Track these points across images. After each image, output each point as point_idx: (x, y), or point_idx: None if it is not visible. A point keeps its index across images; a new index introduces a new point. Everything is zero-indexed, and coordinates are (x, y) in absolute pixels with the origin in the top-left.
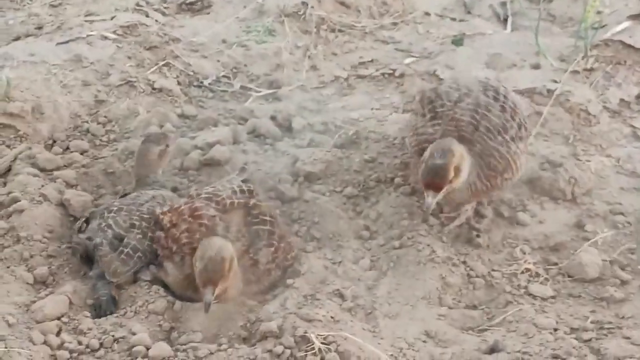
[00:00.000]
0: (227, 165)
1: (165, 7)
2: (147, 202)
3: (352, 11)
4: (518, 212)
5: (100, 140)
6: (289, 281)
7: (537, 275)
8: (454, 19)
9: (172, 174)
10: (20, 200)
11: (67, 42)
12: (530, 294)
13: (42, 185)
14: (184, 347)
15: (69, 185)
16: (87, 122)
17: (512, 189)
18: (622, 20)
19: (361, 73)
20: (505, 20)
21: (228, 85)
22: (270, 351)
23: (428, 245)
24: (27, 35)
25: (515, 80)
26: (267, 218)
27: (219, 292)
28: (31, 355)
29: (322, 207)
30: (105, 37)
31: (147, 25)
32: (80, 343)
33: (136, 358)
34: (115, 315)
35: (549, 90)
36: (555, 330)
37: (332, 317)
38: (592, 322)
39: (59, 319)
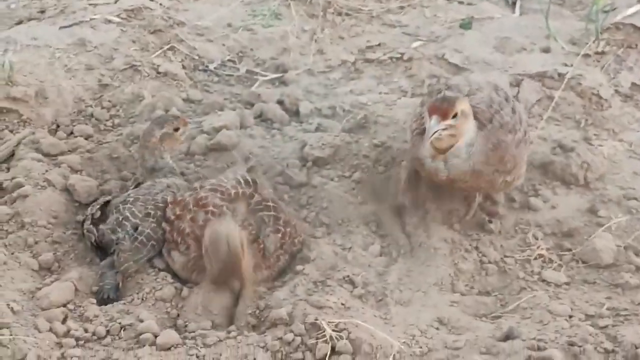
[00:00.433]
0: (235, 151)
1: None
2: (161, 192)
3: None
4: (530, 197)
5: (105, 125)
6: (299, 267)
7: (551, 261)
8: (461, 3)
9: (178, 159)
10: (24, 186)
11: (70, 25)
12: (544, 280)
13: (46, 171)
14: (192, 334)
15: (74, 171)
16: (91, 106)
17: (525, 174)
18: (633, 3)
19: (369, 57)
20: (514, 3)
21: (234, 69)
22: (280, 338)
23: (439, 231)
24: (30, 19)
25: (525, 64)
26: (270, 204)
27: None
28: (37, 343)
29: (330, 192)
30: (109, 21)
31: (151, 9)
32: (86, 330)
33: (144, 346)
34: (122, 302)
35: (559, 74)
36: (571, 317)
37: (342, 304)
38: (607, 309)
39: (64, 305)
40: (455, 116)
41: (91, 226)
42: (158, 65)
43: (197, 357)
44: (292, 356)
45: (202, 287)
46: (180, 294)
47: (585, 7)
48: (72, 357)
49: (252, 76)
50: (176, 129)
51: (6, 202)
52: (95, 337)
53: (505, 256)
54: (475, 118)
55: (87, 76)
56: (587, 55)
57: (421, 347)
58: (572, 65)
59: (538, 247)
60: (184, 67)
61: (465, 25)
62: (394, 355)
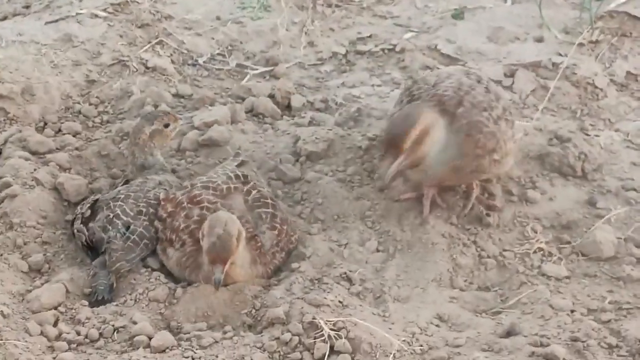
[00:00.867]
0: (228, 146)
1: None
2: (153, 189)
3: None
4: (527, 190)
5: (93, 121)
6: (294, 265)
7: (550, 254)
8: None
9: (169, 156)
10: (12, 185)
11: (56, 21)
12: (544, 274)
13: (35, 169)
14: (187, 335)
15: (62, 169)
16: (79, 103)
17: (520, 165)
18: None
19: (360, 49)
20: None
21: (223, 63)
22: (277, 338)
23: (436, 225)
24: (15, 15)
25: (518, 54)
26: (269, 201)
27: (227, 268)
28: (28, 348)
29: (325, 187)
30: (96, 16)
31: (138, 3)
32: (78, 333)
33: (138, 348)
34: (114, 303)
35: (554, 64)
36: (572, 311)
37: (340, 302)
38: (610, 303)
39: (55, 308)
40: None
41: (81, 225)
42: (146, 60)
43: (193, 359)
44: (290, 356)
45: (196, 286)
46: (174, 294)
47: None
48: None
49: (242, 70)
50: (166, 125)
51: None
52: (87, 340)
53: (504, 250)
54: (443, 106)
55: (74, 72)
56: (581, 44)
57: (421, 345)
58: (566, 55)
59: (537, 241)
60: (172, 62)
61: (457, 15)
62: (394, 353)
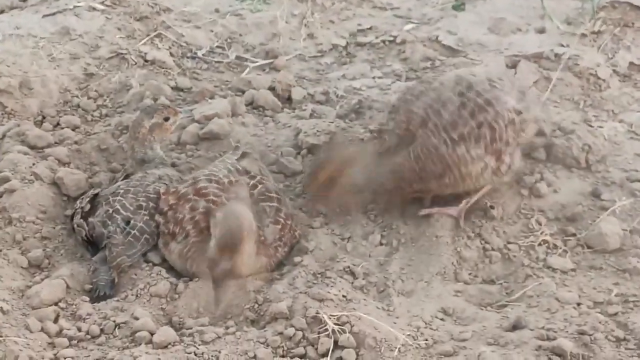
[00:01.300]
0: (229, 139)
1: None
2: (153, 183)
3: None
4: (531, 182)
5: (92, 115)
6: (297, 259)
7: (555, 247)
8: None
9: (169, 149)
10: (10, 180)
11: (53, 14)
12: (549, 267)
13: (33, 164)
14: (189, 331)
15: (62, 163)
16: (77, 96)
17: (525, 157)
18: None
19: (360, 41)
20: None
21: (223, 56)
22: (281, 333)
23: (440, 218)
24: (12, 8)
25: (520, 45)
26: (274, 195)
27: (237, 259)
28: (28, 344)
29: None
30: (94, 8)
31: None
32: (79, 329)
33: (140, 344)
34: (115, 299)
35: (556, 55)
36: (579, 304)
37: (344, 296)
38: (616, 295)
39: (56, 304)
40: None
41: (81, 220)
42: (145, 53)
43: (196, 354)
44: (294, 351)
45: (198, 281)
46: (176, 289)
47: None
48: (65, 358)
49: (241, 62)
50: (166, 119)
51: None
52: (89, 336)
53: (509, 243)
54: (408, 125)
55: (73, 66)
56: (583, 35)
57: (427, 339)
58: (568, 46)
59: (542, 233)
60: (171, 55)
61: (458, 6)
62: (399, 348)
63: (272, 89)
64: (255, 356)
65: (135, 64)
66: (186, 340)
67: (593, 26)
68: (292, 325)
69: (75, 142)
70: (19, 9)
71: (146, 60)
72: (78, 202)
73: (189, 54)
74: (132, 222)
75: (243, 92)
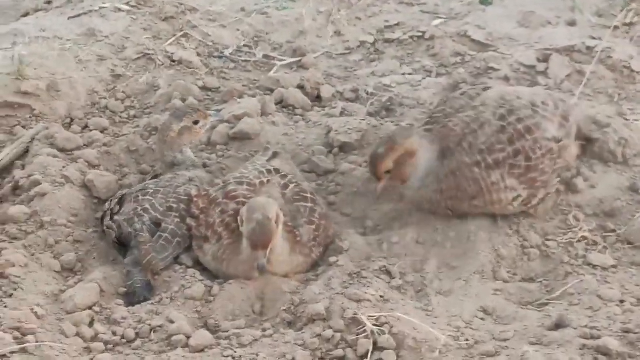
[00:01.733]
0: (260, 139)
1: None
2: (184, 185)
3: None
4: (568, 177)
5: (120, 117)
6: (332, 259)
7: (595, 243)
8: None
9: (199, 150)
10: (41, 183)
11: (79, 15)
12: (589, 264)
13: (64, 167)
14: (226, 334)
15: (91, 166)
16: (105, 98)
17: None
18: None
19: (388, 37)
20: None
21: (250, 55)
22: (319, 335)
23: (477, 215)
24: (37, 10)
25: (551, 39)
26: (308, 195)
27: (270, 253)
28: (64, 349)
29: (360, 179)
30: (119, 9)
31: None
32: (115, 334)
33: (176, 348)
34: (150, 302)
35: (588, 48)
36: (622, 302)
37: (381, 297)
38: None
39: (90, 308)
40: (388, 172)
41: (111, 222)
42: (172, 54)
43: (233, 358)
44: (333, 354)
45: (233, 282)
46: (211, 292)
47: None
48: None
49: (269, 61)
50: (196, 122)
51: (23, 201)
52: (124, 341)
53: (547, 240)
54: (447, 141)
55: (100, 67)
56: (615, 27)
57: (467, 340)
58: (600, 39)
59: (580, 229)
60: (198, 55)
61: (485, 1)
62: (440, 349)
63: (301, 87)
64: (294, 359)
65: (162, 64)
66: (223, 343)
67: (625, 18)
68: (330, 327)
69: (104, 145)
70: (44, 11)
71: (173, 61)
72: (107, 203)
73: (215, 54)
74: (163, 224)
75: (272, 91)
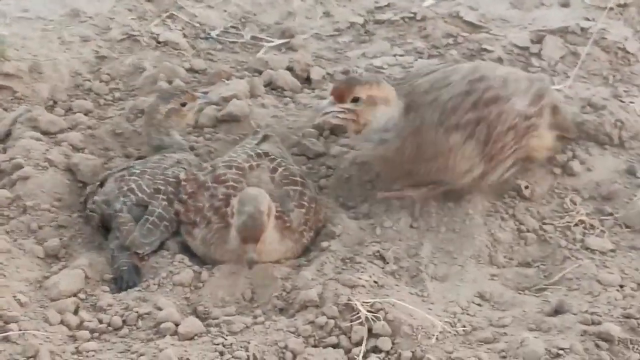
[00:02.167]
0: (250, 121)
1: None
2: (171, 167)
3: None
4: (564, 159)
5: (105, 99)
6: (324, 244)
7: (592, 227)
8: None
9: (186, 133)
10: (24, 167)
11: None
12: (587, 248)
13: (47, 150)
14: (216, 321)
15: (76, 149)
16: (89, 80)
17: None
18: None
19: (379, 18)
20: None
21: (237, 36)
22: (312, 322)
23: (472, 198)
24: None
25: (545, 20)
26: (298, 179)
27: (260, 246)
28: (48, 337)
29: (351, 161)
30: None
31: None
32: (101, 321)
33: (164, 336)
34: (137, 288)
35: (582, 29)
36: (622, 286)
37: (375, 282)
38: None
39: (75, 295)
40: (356, 100)
41: (93, 205)
42: (158, 35)
43: (224, 345)
44: (326, 341)
45: (222, 268)
46: (200, 277)
47: None
48: (88, 351)
49: (257, 42)
50: (183, 104)
51: (5, 185)
52: (111, 328)
53: (544, 224)
54: (411, 96)
55: (83, 48)
56: (609, 8)
57: (465, 326)
58: (594, 20)
59: (578, 213)
60: (185, 36)
61: None
62: (437, 335)
63: (290, 69)
64: (286, 346)
65: (148, 45)
66: (213, 330)
67: None
68: (323, 314)
69: (89, 127)
70: None
71: (159, 42)
72: (89, 187)
73: (202, 35)
74: (150, 207)
75: (260, 72)
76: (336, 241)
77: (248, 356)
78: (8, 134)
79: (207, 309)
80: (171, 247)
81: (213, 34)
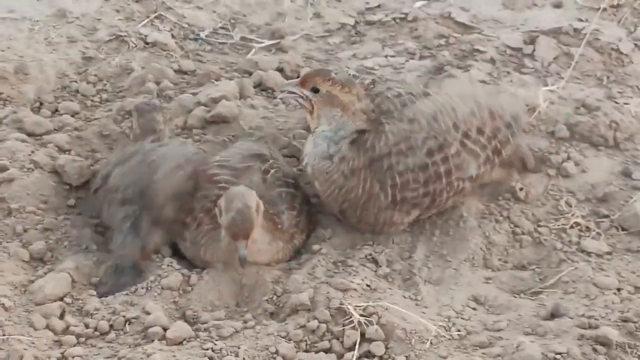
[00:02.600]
0: (240, 122)
1: None
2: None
3: None
4: (558, 161)
5: (92, 100)
6: (315, 247)
7: (588, 229)
8: None
9: (174, 134)
10: (9, 169)
11: None
12: (583, 251)
13: (32, 152)
14: (205, 326)
15: (62, 151)
16: (76, 81)
17: (549, 136)
18: None
19: (369, 19)
20: None
21: (227, 37)
22: (303, 327)
23: (466, 200)
24: None
25: (537, 21)
26: (290, 180)
27: (250, 243)
28: (33, 342)
29: None
30: None
31: None
32: (87, 326)
33: (152, 340)
34: (124, 292)
35: (575, 30)
36: (619, 290)
37: (368, 286)
38: None
39: (61, 299)
40: (315, 91)
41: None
42: (145, 35)
43: (213, 350)
44: (318, 346)
45: (211, 271)
46: (189, 281)
47: None
48: (73, 357)
49: (247, 43)
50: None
51: None
52: (97, 333)
53: (539, 226)
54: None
55: (70, 49)
56: (602, 9)
57: (459, 330)
58: (587, 20)
59: (573, 215)
60: (173, 37)
61: None
62: (431, 340)
63: (280, 70)
64: (277, 351)
65: (136, 46)
66: (202, 335)
67: (612, 0)
68: (314, 318)
69: (76, 129)
70: None
71: (147, 43)
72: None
73: (191, 36)
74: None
75: (250, 73)
76: (327, 244)
77: None
78: None
79: (196, 313)
80: (165, 251)
81: (202, 34)
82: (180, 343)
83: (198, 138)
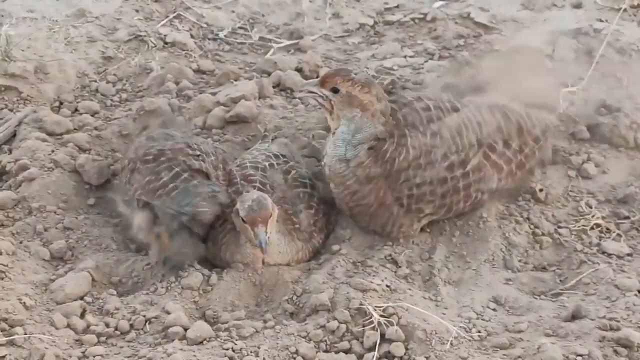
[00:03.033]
0: (259, 123)
1: None
2: None
3: None
4: (579, 162)
5: (112, 100)
6: (335, 247)
7: (609, 230)
8: None
9: (194, 134)
10: (29, 168)
11: None
12: (604, 252)
13: (53, 151)
14: (225, 325)
15: (82, 150)
16: (95, 81)
17: (569, 137)
18: None
19: (388, 19)
20: None
21: (245, 37)
22: (323, 327)
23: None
24: None
25: (557, 21)
26: (307, 181)
27: (270, 230)
28: (54, 341)
29: None
30: None
31: None
32: (107, 325)
33: (173, 340)
34: (144, 292)
35: (595, 30)
36: None
37: (387, 286)
38: None
39: (81, 298)
40: (335, 91)
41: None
42: (165, 35)
43: (234, 350)
44: (338, 346)
45: (231, 271)
46: (209, 281)
47: None
48: (94, 356)
49: (265, 43)
50: None
51: (11, 187)
52: (118, 333)
53: (559, 227)
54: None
55: (90, 49)
56: (622, 10)
57: (480, 331)
58: (606, 21)
59: (593, 216)
60: (192, 36)
61: None
62: (451, 341)
63: (299, 70)
64: (297, 351)
65: (155, 46)
66: (222, 335)
67: (632, 0)
68: (334, 318)
69: (95, 128)
70: None
71: (166, 43)
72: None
73: (210, 36)
74: None
75: (269, 73)
76: (347, 244)
77: None
78: (13, 135)
79: (216, 313)
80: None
81: (221, 34)
82: (201, 343)
83: (217, 138)
